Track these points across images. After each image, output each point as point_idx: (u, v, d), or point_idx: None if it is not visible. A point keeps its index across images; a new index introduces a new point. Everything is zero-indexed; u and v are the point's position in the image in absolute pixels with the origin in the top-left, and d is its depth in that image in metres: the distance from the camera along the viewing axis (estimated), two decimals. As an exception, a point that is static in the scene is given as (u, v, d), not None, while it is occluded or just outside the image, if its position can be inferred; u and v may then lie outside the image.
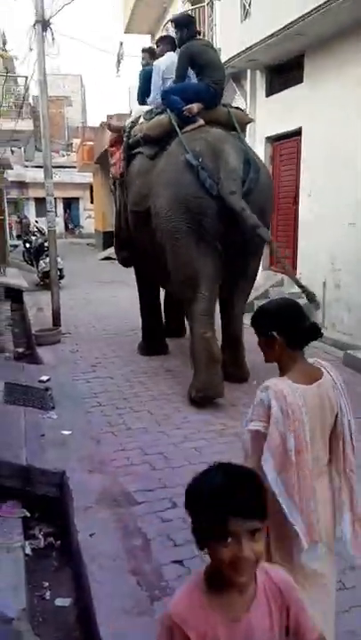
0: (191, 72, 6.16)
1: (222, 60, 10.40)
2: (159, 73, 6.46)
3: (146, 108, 6.66)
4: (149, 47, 7.44)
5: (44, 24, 8.24)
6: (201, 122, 5.85)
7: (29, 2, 8.27)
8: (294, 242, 9.86)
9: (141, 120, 6.46)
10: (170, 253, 5.70)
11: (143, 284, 7.50)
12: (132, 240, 6.92)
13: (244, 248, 5.54)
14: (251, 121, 7.22)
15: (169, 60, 6.44)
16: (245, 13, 9.70)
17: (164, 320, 7.82)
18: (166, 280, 6.21)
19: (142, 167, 6.23)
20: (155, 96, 6.54)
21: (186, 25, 6.24)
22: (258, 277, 10.89)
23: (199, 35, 6.47)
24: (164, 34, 7.19)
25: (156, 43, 7.02)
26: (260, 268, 11.02)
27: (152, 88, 6.56)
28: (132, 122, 6.79)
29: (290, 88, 9.70)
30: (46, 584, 3.39)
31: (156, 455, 4.40)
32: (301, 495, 1.93)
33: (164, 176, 5.70)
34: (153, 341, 7.46)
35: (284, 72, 9.99)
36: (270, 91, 10.48)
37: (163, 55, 6.67)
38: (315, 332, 2.10)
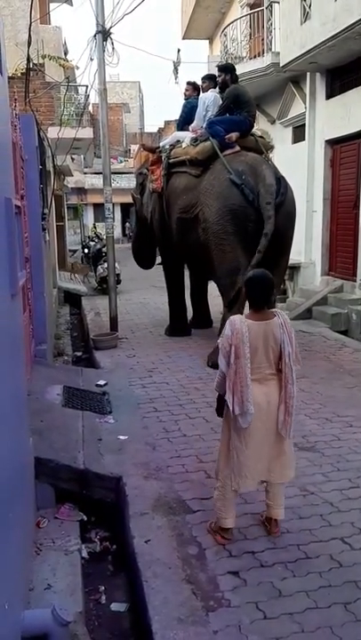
0: None
1: (282, 64, 10.38)
2: (204, 105, 7.66)
3: (184, 134, 7.98)
4: (194, 82, 8.37)
5: (104, 34, 8.39)
6: (237, 148, 7.17)
7: (91, 13, 8.46)
8: (355, 246, 9.62)
9: (184, 145, 7.72)
10: (216, 250, 6.86)
11: (172, 281, 8.95)
12: (172, 242, 8.06)
13: (277, 247, 6.64)
14: (272, 147, 8.70)
15: (212, 95, 7.70)
16: (306, 15, 9.56)
17: (192, 314, 9.33)
18: (206, 271, 7.66)
19: (189, 183, 7.45)
20: (198, 123, 7.75)
21: (230, 71, 7.58)
22: (317, 283, 10.78)
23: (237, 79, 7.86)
24: (209, 73, 8.40)
25: (202, 79, 8.11)
26: (319, 273, 10.89)
27: (196, 117, 7.79)
28: (171, 145, 8.14)
29: (351, 90, 9.49)
30: (102, 588, 3.44)
31: (212, 463, 4.34)
32: (236, 382, 3.17)
33: (213, 190, 6.93)
34: (179, 325, 8.87)
35: (344, 74, 9.78)
36: (331, 93, 10.29)
37: (207, 91, 7.86)
38: (262, 301, 3.27)
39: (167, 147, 8.24)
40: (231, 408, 3.18)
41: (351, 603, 2.85)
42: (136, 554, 3.29)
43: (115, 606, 3.27)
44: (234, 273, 6.74)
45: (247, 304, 3.43)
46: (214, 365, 6.83)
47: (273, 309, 3.34)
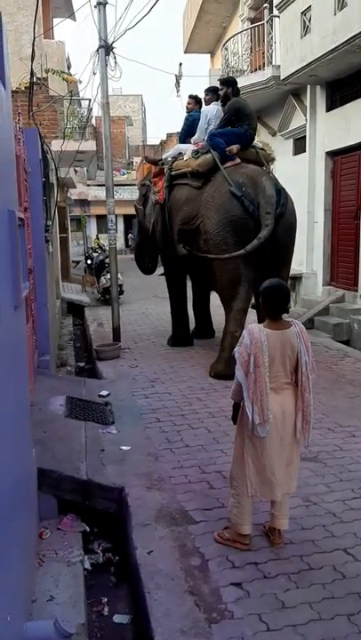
0: None
1: (282, 77, 10.48)
2: (206, 118, 7.73)
3: (186, 146, 8.06)
4: (196, 95, 8.49)
5: (106, 49, 8.48)
6: (238, 160, 7.25)
7: (93, 27, 8.56)
8: (356, 256, 9.65)
9: (186, 157, 7.81)
10: (217, 261, 6.87)
11: (174, 291, 8.97)
12: (174, 253, 7.96)
13: (278, 258, 6.81)
14: (273, 159, 8.69)
15: (214, 108, 7.78)
16: (306, 29, 9.66)
17: (195, 324, 9.38)
18: (208, 281, 7.74)
19: (190, 195, 7.53)
20: (199, 135, 7.81)
21: (232, 84, 7.70)
22: (319, 293, 10.79)
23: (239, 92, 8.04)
24: (212, 86, 8.39)
25: (205, 91, 8.19)
26: (320, 284, 10.90)
27: (198, 129, 7.84)
28: (173, 157, 8.29)
29: (351, 102, 9.56)
30: (105, 600, 3.42)
31: (214, 474, 4.37)
32: (255, 391, 3.18)
33: (213, 202, 7.01)
34: (182, 335, 8.90)
35: (344, 86, 9.86)
36: (331, 105, 10.37)
37: (210, 103, 7.94)
38: (279, 310, 3.28)
39: (169, 159, 8.33)
40: (251, 417, 3.19)
41: (355, 614, 2.84)
42: (139, 565, 3.28)
43: (117, 618, 3.26)
44: (235, 284, 6.82)
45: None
46: (217, 376, 6.89)
47: (289, 318, 3.37)
